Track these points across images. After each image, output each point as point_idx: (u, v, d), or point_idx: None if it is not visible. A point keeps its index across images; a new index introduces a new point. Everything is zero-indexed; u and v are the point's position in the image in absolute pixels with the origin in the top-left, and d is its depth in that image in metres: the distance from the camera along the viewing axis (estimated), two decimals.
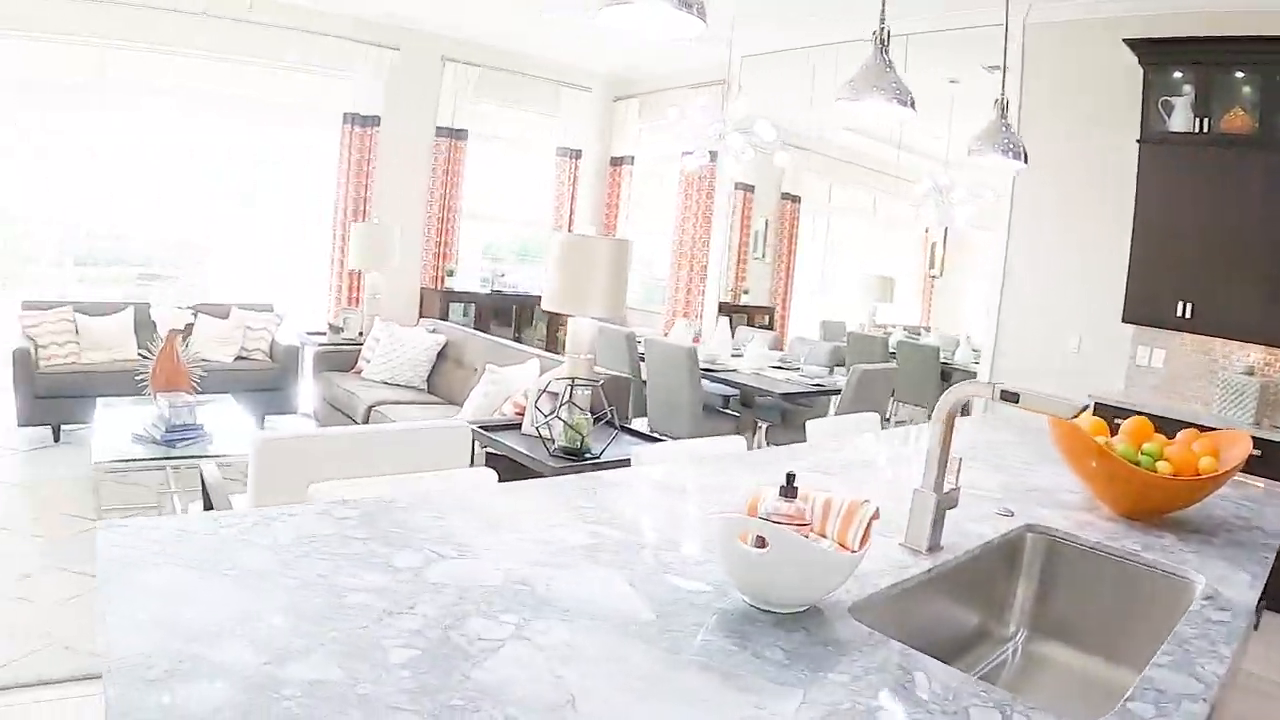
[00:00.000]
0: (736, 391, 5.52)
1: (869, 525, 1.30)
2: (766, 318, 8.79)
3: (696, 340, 7.22)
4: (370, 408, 5.01)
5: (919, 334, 8.03)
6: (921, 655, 1.15)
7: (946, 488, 1.59)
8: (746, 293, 8.66)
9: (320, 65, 6.82)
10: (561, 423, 3.62)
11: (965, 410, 6.61)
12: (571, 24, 6.94)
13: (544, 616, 1.15)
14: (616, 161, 8.55)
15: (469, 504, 1.65)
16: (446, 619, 1.12)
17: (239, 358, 5.93)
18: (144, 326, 5.72)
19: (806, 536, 1.27)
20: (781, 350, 6.93)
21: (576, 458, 3.53)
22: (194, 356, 4.89)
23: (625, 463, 2.19)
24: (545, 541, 1.46)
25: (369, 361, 5.72)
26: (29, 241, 6.47)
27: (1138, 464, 1.91)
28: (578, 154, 8.28)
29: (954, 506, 1.62)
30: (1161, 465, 1.91)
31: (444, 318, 7.13)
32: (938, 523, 1.59)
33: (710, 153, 6.46)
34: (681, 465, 2.16)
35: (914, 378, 6.61)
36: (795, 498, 1.30)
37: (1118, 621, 1.69)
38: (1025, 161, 3.12)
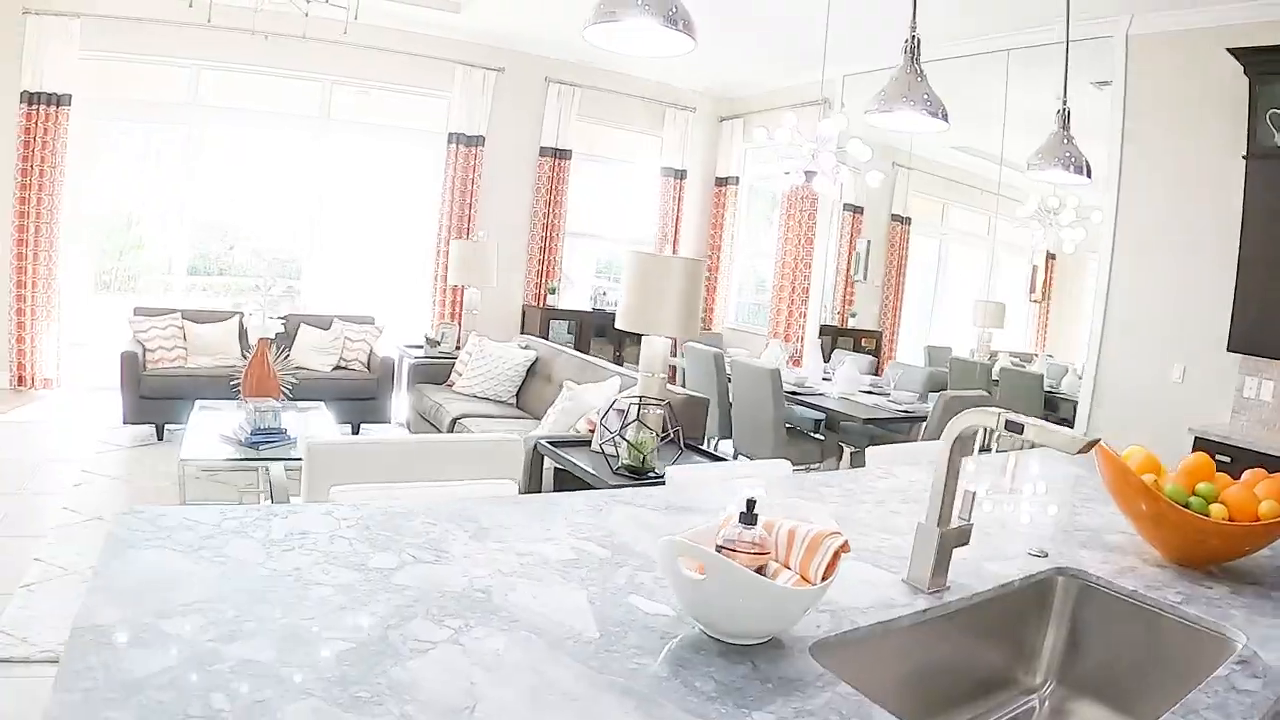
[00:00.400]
0: (823, 415, 5.41)
1: (834, 558, 1.21)
2: (873, 342, 8.58)
3: (796, 363, 7.12)
4: (455, 419, 5.12)
5: (1029, 360, 7.67)
6: (869, 703, 1.07)
7: (955, 523, 1.51)
8: (854, 315, 8.48)
9: (425, 86, 7.11)
10: (625, 441, 3.63)
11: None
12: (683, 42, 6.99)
13: (487, 624, 1.14)
14: (721, 182, 8.54)
15: (468, 513, 1.65)
16: (393, 619, 1.13)
17: (337, 367, 6.19)
18: (247, 334, 6.06)
19: (763, 567, 1.21)
20: (878, 375, 6.75)
21: (639, 476, 3.52)
22: (289, 365, 5.12)
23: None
24: (524, 554, 1.45)
25: (461, 375, 5.86)
26: (149, 251, 6.96)
27: (1188, 506, 1.76)
28: (682, 174, 8.32)
29: (964, 544, 1.53)
30: (1216, 508, 1.76)
31: (544, 335, 7.26)
32: (942, 561, 1.50)
33: (806, 173, 6.36)
34: (710, 486, 2.12)
35: (1016, 406, 6.31)
36: (754, 524, 1.23)
37: (1146, 679, 1.55)
38: (1089, 176, 2.96)
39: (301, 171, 7.04)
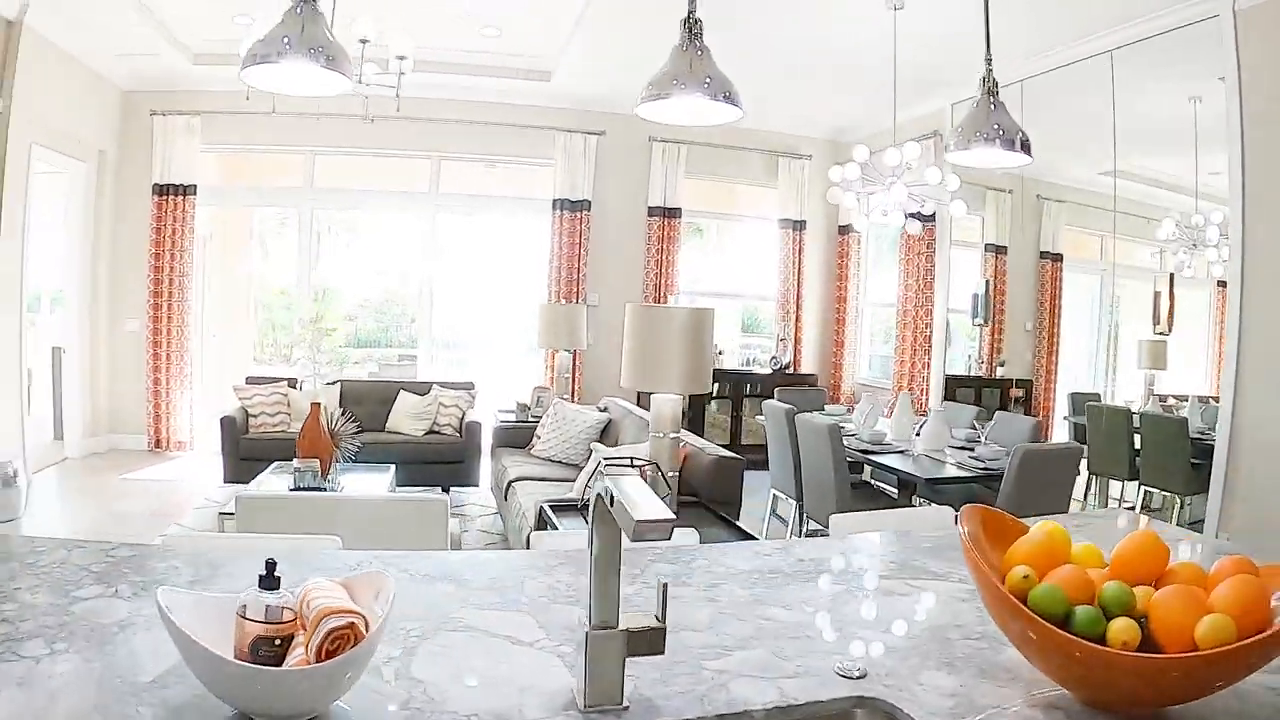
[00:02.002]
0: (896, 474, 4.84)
1: (329, 639, 1.01)
2: (1023, 393, 7.69)
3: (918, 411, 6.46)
4: (510, 482, 4.97)
5: (1189, 403, 6.58)
6: None
7: (632, 623, 1.11)
8: (1002, 364, 7.65)
9: (529, 156, 7.21)
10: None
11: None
12: (783, 93, 6.74)
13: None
14: (844, 230, 8.02)
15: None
16: None
17: (430, 432, 6.24)
18: (349, 400, 6.22)
19: (287, 638, 1.05)
20: (977, 427, 5.95)
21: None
22: (348, 429, 5.17)
23: None
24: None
25: (540, 439, 5.73)
26: (272, 326, 7.38)
27: (1068, 619, 1.21)
28: (801, 224, 7.90)
29: (654, 653, 1.12)
30: (1118, 626, 1.19)
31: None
32: (600, 673, 1.10)
33: (910, 215, 5.83)
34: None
35: (1156, 457, 5.36)
36: (276, 588, 1.05)
37: None
38: (1027, 153, 2.49)
39: (413, 245, 7.27)
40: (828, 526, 4.55)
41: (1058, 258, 7.68)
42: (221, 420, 5.83)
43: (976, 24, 5.63)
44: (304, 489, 4.29)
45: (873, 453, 4.91)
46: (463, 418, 6.28)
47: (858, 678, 1.25)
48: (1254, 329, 4.40)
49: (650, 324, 3.62)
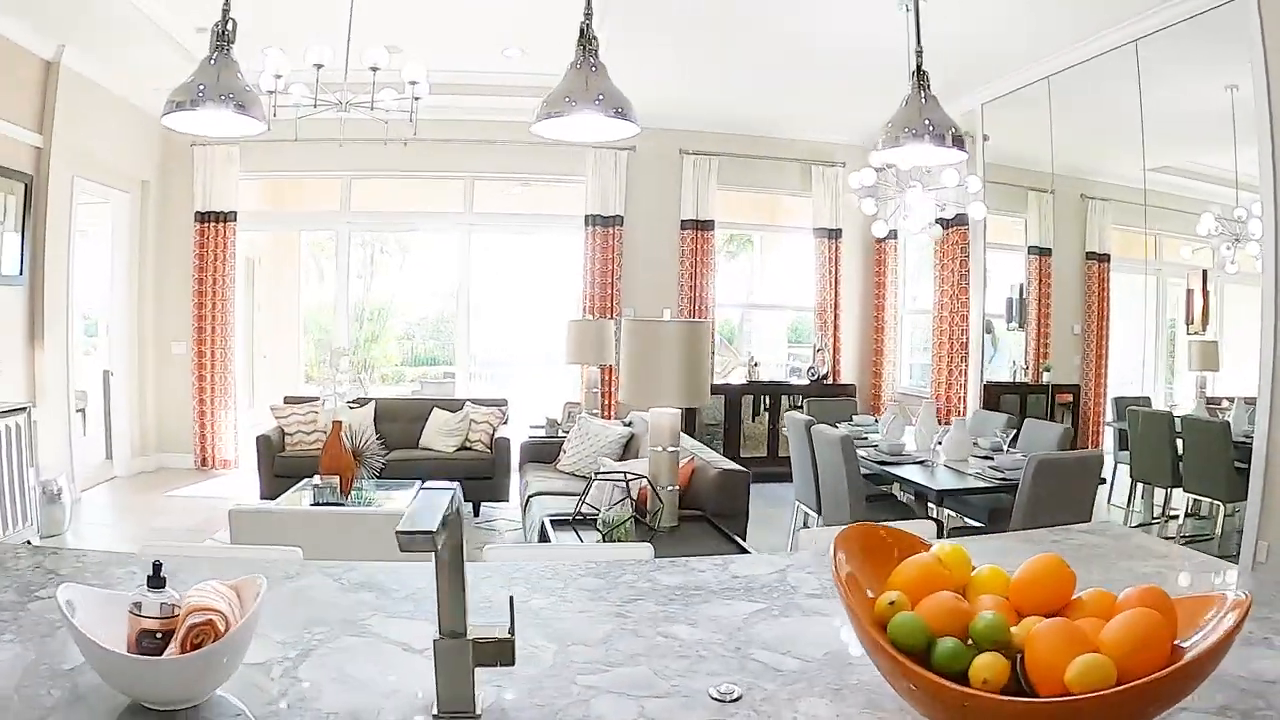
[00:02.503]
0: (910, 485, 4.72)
1: (192, 634, 1.10)
2: (1070, 399, 7.43)
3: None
4: (530, 496, 5.00)
5: (1224, 407, 6.27)
6: None
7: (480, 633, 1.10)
8: (1048, 369, 7.40)
9: (560, 173, 7.25)
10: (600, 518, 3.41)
11: None
12: (814, 99, 6.67)
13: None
14: (881, 238, 7.88)
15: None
16: None
17: (461, 448, 6.30)
18: (384, 417, 6.33)
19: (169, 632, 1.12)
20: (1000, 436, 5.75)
21: None
22: (373, 445, 5.25)
23: None
24: None
25: (566, 454, 5.74)
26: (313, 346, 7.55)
27: (928, 652, 1.13)
28: (837, 233, 7.78)
29: (504, 664, 1.12)
30: (981, 663, 1.10)
31: (688, 412, 7.00)
32: (450, 682, 1.09)
33: (937, 221, 5.71)
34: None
35: (1199, 463, 5.12)
36: (162, 588, 1.15)
37: None
38: (960, 148, 2.40)
39: (450, 265, 7.38)
40: None
41: (1104, 258, 7.41)
42: (257, 439, 5.98)
43: (999, 21, 5.55)
44: (323, 504, 4.40)
45: (890, 463, 4.79)
46: (493, 434, 6.32)
47: (729, 701, 1.20)
48: None
49: (645, 338, 3.62)
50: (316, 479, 4.56)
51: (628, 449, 5.58)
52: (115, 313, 6.95)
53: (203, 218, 6.99)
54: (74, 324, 6.21)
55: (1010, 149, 7.25)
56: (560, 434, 6.12)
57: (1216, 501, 5.07)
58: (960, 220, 6.81)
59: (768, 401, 7.61)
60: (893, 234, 7.81)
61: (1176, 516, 5.37)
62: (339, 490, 4.49)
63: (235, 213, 7.03)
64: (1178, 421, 5.51)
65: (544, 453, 5.97)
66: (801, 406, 7.38)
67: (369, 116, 5.52)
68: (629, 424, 5.81)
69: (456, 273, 7.33)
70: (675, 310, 7.48)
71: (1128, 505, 5.97)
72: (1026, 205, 7.48)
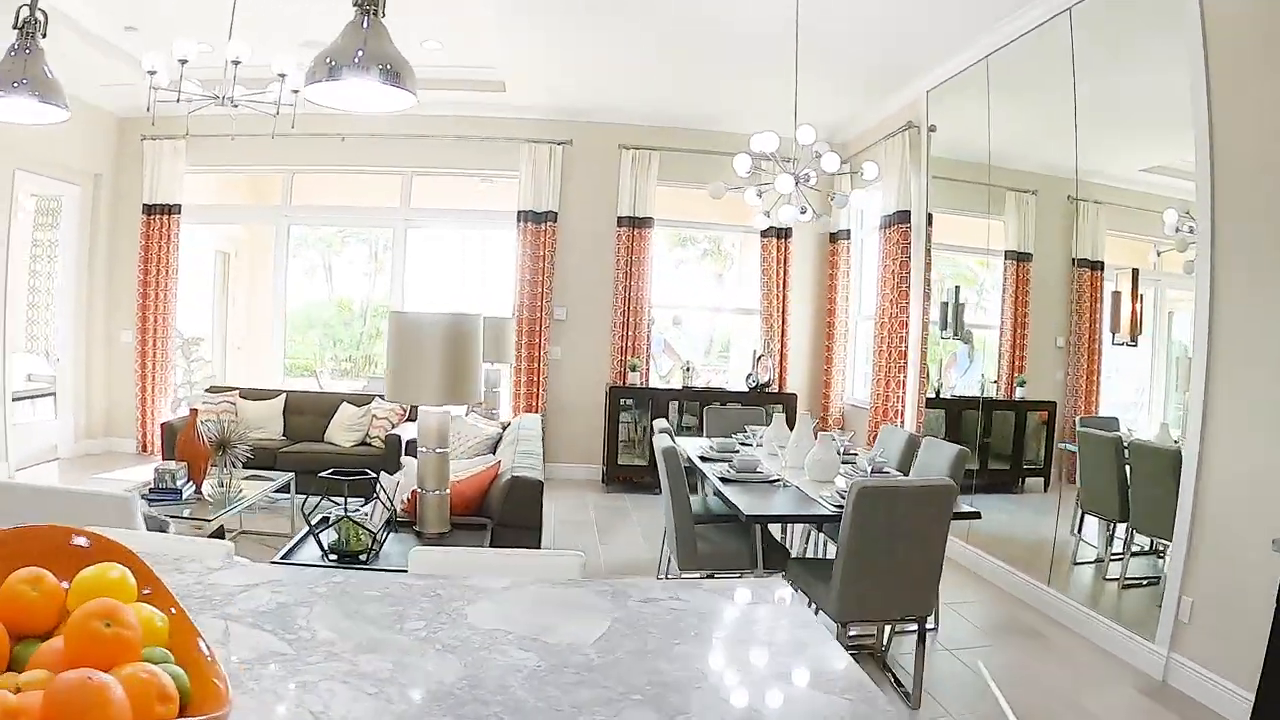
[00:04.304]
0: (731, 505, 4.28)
1: None
2: (1044, 417, 6.77)
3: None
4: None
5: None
6: None
7: None
8: (1022, 384, 6.77)
9: (497, 168, 7.14)
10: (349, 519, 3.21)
11: None
12: (762, 92, 6.33)
13: None
14: (835, 237, 7.40)
15: None
16: None
17: (361, 443, 6.26)
18: (292, 410, 6.35)
19: None
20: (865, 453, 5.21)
21: (353, 559, 3.09)
22: (241, 434, 5.23)
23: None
24: None
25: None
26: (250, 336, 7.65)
27: None
28: (786, 233, 7.34)
29: None
30: None
31: (614, 417, 6.80)
32: None
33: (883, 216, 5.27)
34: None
35: (1145, 495, 4.49)
36: None
37: None
38: (408, 89, 2.06)
39: (386, 260, 7.37)
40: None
41: (1097, 265, 6.75)
42: (162, 425, 6.09)
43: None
44: (161, 489, 4.53)
45: (732, 481, 4.39)
46: (389, 431, 6.26)
47: None
48: (1226, 343, 3.62)
49: (408, 332, 3.45)
50: (157, 464, 4.64)
51: (498, 449, 5.38)
52: (65, 300, 7.21)
53: (149, 210, 7.18)
54: (11, 312, 6.46)
55: (980, 143, 6.70)
56: None
57: (1159, 539, 4.49)
58: (903, 218, 6.32)
59: (698, 408, 7.26)
60: (845, 234, 7.34)
61: (1120, 556, 4.78)
62: (180, 476, 4.59)
63: (180, 206, 7.19)
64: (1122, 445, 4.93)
65: None
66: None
67: (256, 111, 5.50)
68: (505, 424, 5.64)
69: (392, 269, 7.31)
70: (611, 309, 7.23)
71: (1076, 539, 5.40)
72: (1004, 206, 6.90)
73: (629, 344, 7.23)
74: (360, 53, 2.02)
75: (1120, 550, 4.97)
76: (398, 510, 3.84)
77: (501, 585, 1.73)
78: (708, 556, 4.18)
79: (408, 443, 5.99)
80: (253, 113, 5.41)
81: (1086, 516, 5.33)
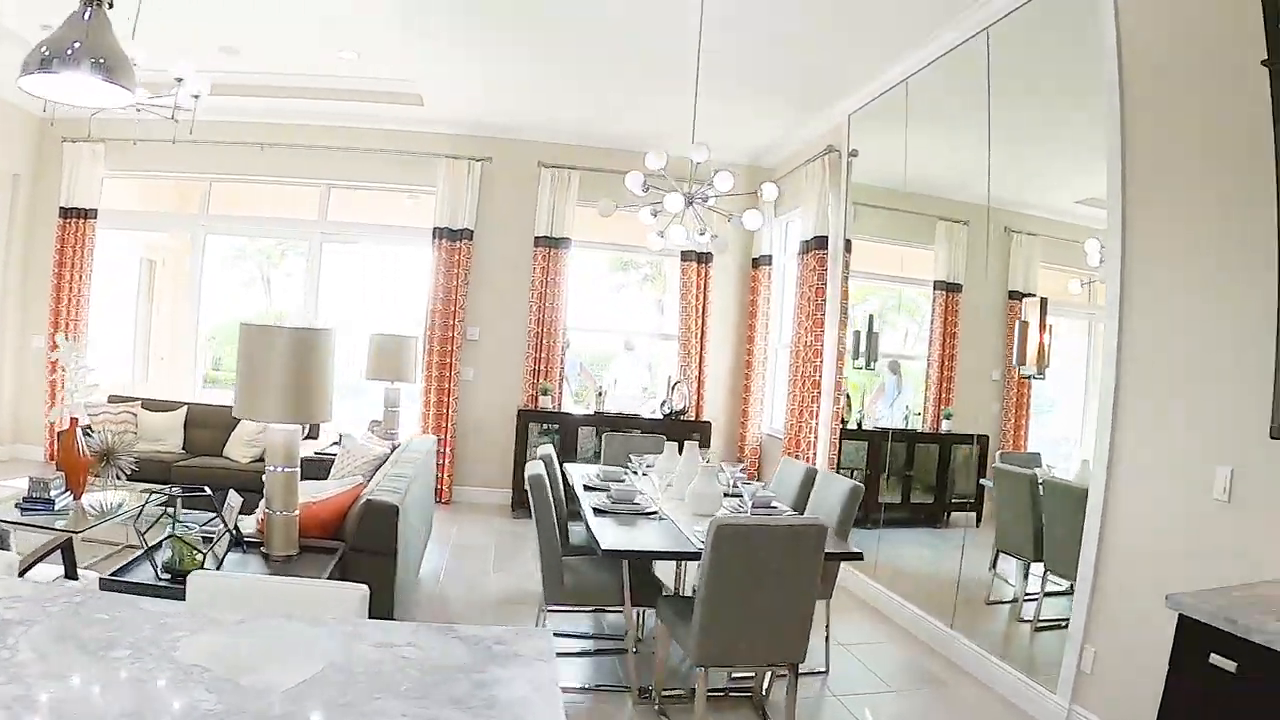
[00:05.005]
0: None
1: None
2: (975, 451, 6.65)
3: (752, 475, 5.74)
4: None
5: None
6: None
7: None
8: (949, 417, 6.65)
9: (415, 183, 7.03)
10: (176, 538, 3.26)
11: None
12: (686, 112, 6.25)
13: None
14: (758, 262, 7.32)
15: None
16: None
17: (258, 459, 6.11)
18: (193, 424, 6.20)
19: None
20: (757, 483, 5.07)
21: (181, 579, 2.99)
22: (127, 445, 5.08)
23: None
24: None
25: (332, 473, 5.45)
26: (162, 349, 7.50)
27: None
28: (707, 257, 7.25)
29: None
30: None
31: (524, 440, 6.68)
32: None
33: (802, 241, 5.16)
34: None
35: (1059, 534, 4.34)
36: None
37: None
38: (123, 85, 1.96)
39: (302, 273, 7.24)
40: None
41: (1043, 302, 6.67)
42: (59, 434, 5.91)
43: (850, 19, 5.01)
44: (35, 497, 4.40)
45: (604, 512, 4.24)
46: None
47: None
48: (1133, 379, 3.50)
49: (256, 346, 3.34)
50: (33, 473, 4.51)
51: (381, 469, 5.24)
52: None
53: (65, 214, 7.02)
54: None
55: (909, 169, 6.63)
56: (323, 451, 5.86)
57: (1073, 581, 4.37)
58: (821, 244, 6.23)
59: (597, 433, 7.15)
60: (767, 259, 7.24)
61: (1034, 597, 4.63)
62: (57, 486, 4.46)
63: (96, 210, 7.04)
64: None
65: (319, 470, 5.70)
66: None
67: (161, 117, 5.37)
68: (397, 444, 5.50)
69: (306, 283, 7.17)
70: (525, 331, 7.10)
71: (992, 575, 5.27)
72: (935, 236, 6.82)
73: (543, 367, 7.10)
74: (76, 45, 1.89)
75: (1035, 591, 4.85)
76: (239, 530, 3.72)
77: (236, 619, 1.71)
78: (575, 590, 4.04)
79: (301, 462, 5.83)
80: (156, 118, 5.27)
81: (1002, 555, 5.22)
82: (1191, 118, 3.21)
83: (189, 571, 3.04)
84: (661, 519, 4.16)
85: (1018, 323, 5.48)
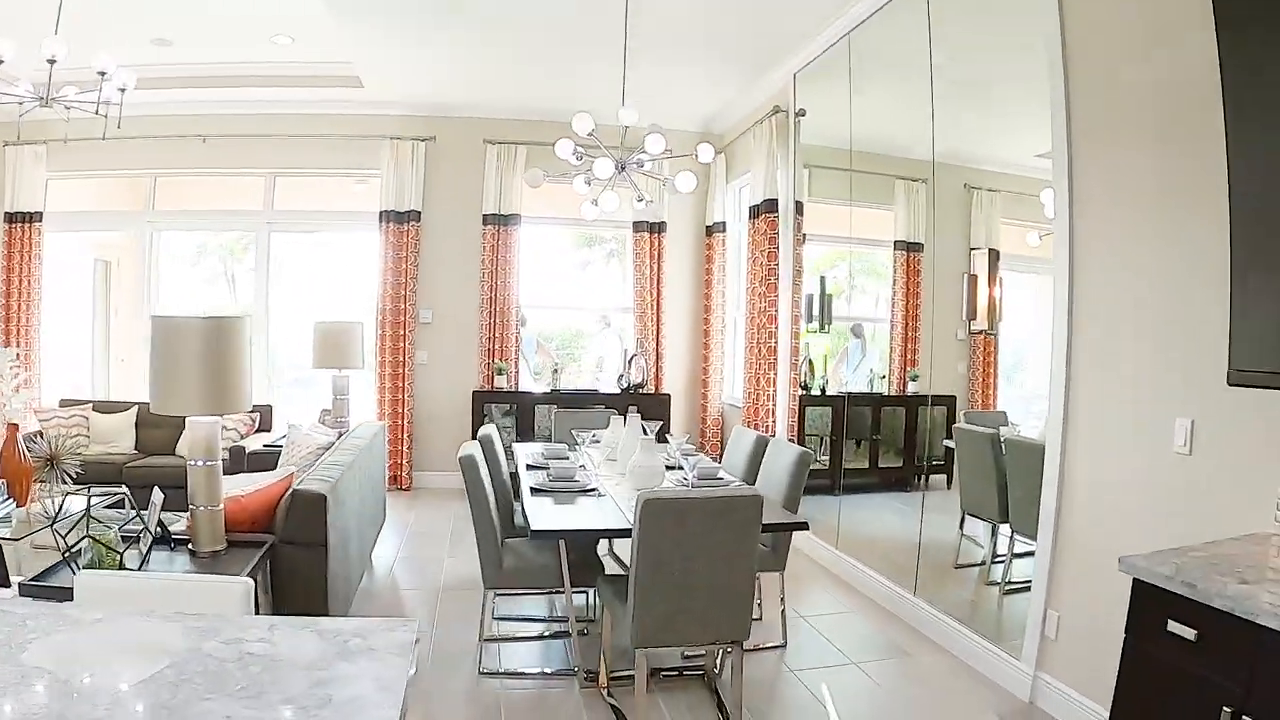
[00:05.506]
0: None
1: None
2: (943, 412, 6.55)
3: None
4: None
5: None
6: None
7: None
8: (915, 379, 6.54)
9: (360, 167, 6.91)
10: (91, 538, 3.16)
11: None
12: (631, 80, 6.11)
13: None
14: (711, 229, 7.19)
15: None
16: None
17: None
18: (145, 424, 6.10)
19: None
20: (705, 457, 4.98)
21: None
22: (69, 448, 4.98)
23: None
24: None
25: (280, 464, 5.36)
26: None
27: None
28: (660, 227, 7.13)
29: None
30: None
31: (481, 421, 6.56)
32: None
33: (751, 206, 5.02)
34: None
35: (1022, 494, 4.24)
36: None
37: None
38: None
39: (249, 265, 7.14)
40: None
41: (993, 255, 6.56)
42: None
43: None
44: None
45: (542, 491, 4.15)
46: (235, 442, 6.02)
47: None
48: (1088, 327, 3.39)
49: (170, 337, 3.26)
50: None
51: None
52: None
53: (10, 219, 6.88)
54: None
55: (859, 128, 6.50)
56: (270, 444, 5.77)
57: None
58: (771, 207, 6.11)
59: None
60: (721, 226, 7.12)
61: (1002, 560, 4.53)
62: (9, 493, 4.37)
63: (41, 213, 6.91)
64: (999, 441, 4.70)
65: (267, 462, 5.61)
66: None
67: (89, 115, 5.23)
68: (341, 434, 5.40)
69: (255, 274, 7.06)
70: (478, 311, 7.00)
71: (960, 537, 5.18)
72: (894, 195, 6.70)
73: (497, 346, 6.99)
74: None
75: (1004, 553, 4.76)
76: (165, 527, 3.66)
77: (95, 617, 1.68)
78: (513, 572, 3.96)
79: (250, 454, 5.76)
80: (87, 115, 5.14)
81: (970, 517, 5.13)
82: (1135, 56, 3.09)
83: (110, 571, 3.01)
84: (601, 496, 4.07)
85: (964, 276, 5.37)
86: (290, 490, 3.80)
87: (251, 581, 2.10)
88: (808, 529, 4.03)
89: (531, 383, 7.34)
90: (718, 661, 3.78)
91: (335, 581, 3.88)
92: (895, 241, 6.53)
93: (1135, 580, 2.15)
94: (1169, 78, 2.89)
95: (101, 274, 8.19)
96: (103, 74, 4.93)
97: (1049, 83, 3.62)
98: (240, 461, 5.82)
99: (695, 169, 6.69)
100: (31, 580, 3.20)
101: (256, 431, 6.20)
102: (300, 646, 1.60)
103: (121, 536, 3.31)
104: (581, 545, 4.06)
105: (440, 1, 5.18)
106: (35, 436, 5.04)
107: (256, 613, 3.41)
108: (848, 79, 5.61)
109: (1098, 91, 3.30)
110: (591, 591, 4.55)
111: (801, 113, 6.04)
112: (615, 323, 7.74)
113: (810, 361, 6.54)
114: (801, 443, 6.20)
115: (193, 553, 3.54)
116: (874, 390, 6.68)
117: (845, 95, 5.68)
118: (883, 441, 6.55)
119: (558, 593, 4.71)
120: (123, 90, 5.09)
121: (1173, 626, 2.00)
